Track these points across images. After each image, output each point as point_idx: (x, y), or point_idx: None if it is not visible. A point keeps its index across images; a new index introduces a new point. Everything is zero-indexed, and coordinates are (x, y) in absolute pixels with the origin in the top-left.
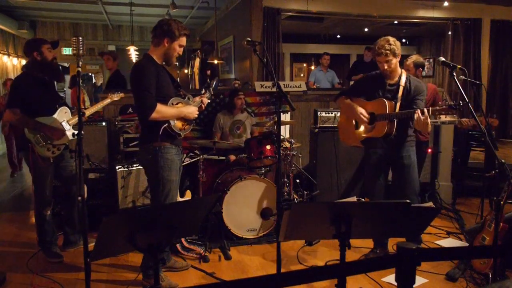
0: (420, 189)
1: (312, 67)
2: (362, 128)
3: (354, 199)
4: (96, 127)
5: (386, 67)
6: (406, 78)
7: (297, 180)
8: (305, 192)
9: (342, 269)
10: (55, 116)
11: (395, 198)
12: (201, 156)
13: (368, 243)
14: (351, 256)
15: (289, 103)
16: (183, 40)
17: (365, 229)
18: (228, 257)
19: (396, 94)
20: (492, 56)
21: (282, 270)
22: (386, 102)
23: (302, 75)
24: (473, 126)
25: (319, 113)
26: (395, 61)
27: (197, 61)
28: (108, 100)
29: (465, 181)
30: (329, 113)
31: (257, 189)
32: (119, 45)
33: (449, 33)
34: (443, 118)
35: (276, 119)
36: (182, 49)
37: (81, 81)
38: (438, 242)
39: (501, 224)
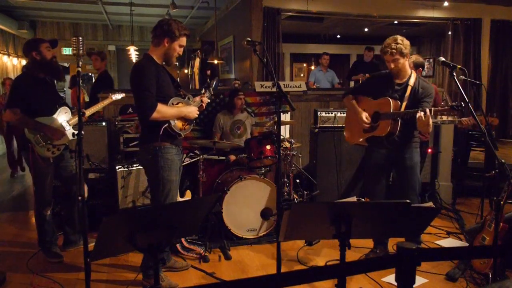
0: (420, 189)
1: (312, 67)
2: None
3: (354, 199)
4: (96, 127)
5: (392, 66)
6: (416, 78)
7: (297, 180)
8: (305, 192)
9: (342, 269)
10: (55, 116)
11: (395, 198)
12: (201, 156)
13: (368, 243)
14: (351, 256)
15: (289, 103)
16: (183, 40)
17: (365, 229)
18: (228, 257)
19: (404, 94)
20: (492, 56)
21: (282, 270)
22: (391, 101)
23: (302, 75)
24: (473, 126)
25: (319, 113)
26: (402, 60)
27: (197, 61)
28: (108, 100)
29: (465, 181)
30: (329, 113)
31: (257, 189)
32: (119, 45)
33: (449, 33)
34: (444, 117)
35: (276, 119)
36: (182, 49)
37: (81, 81)
38: (438, 242)
39: (501, 224)
